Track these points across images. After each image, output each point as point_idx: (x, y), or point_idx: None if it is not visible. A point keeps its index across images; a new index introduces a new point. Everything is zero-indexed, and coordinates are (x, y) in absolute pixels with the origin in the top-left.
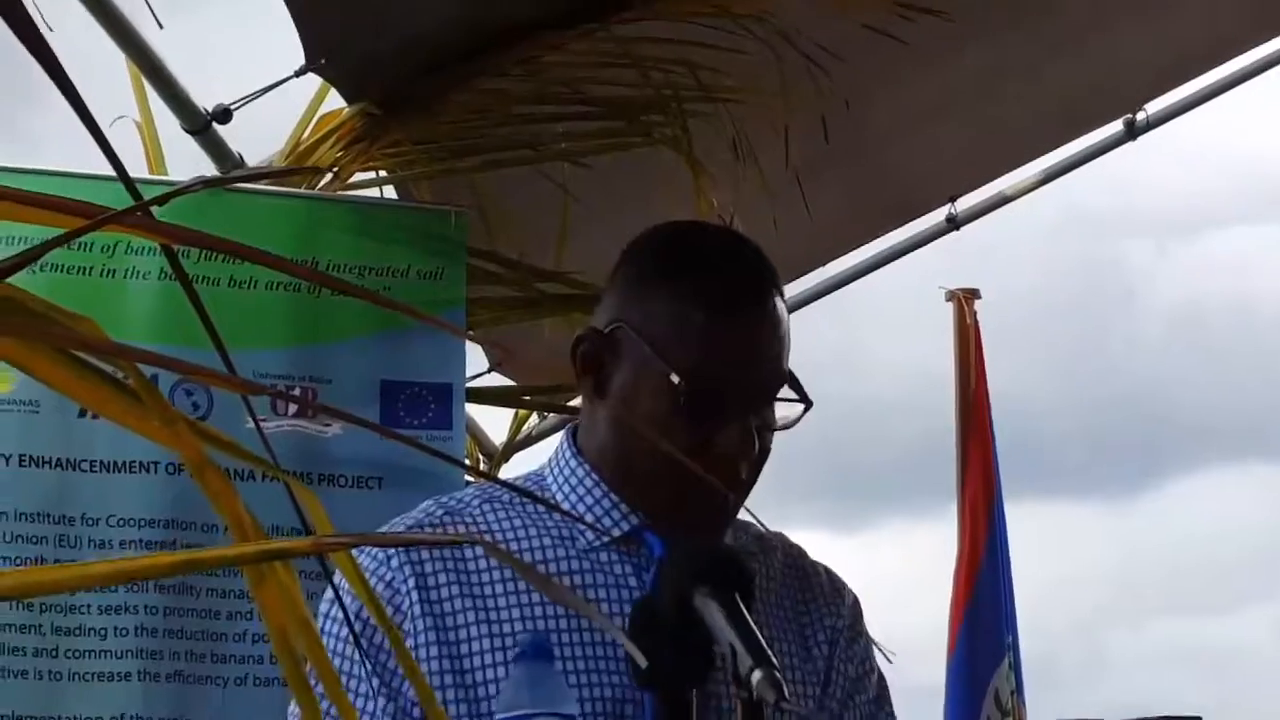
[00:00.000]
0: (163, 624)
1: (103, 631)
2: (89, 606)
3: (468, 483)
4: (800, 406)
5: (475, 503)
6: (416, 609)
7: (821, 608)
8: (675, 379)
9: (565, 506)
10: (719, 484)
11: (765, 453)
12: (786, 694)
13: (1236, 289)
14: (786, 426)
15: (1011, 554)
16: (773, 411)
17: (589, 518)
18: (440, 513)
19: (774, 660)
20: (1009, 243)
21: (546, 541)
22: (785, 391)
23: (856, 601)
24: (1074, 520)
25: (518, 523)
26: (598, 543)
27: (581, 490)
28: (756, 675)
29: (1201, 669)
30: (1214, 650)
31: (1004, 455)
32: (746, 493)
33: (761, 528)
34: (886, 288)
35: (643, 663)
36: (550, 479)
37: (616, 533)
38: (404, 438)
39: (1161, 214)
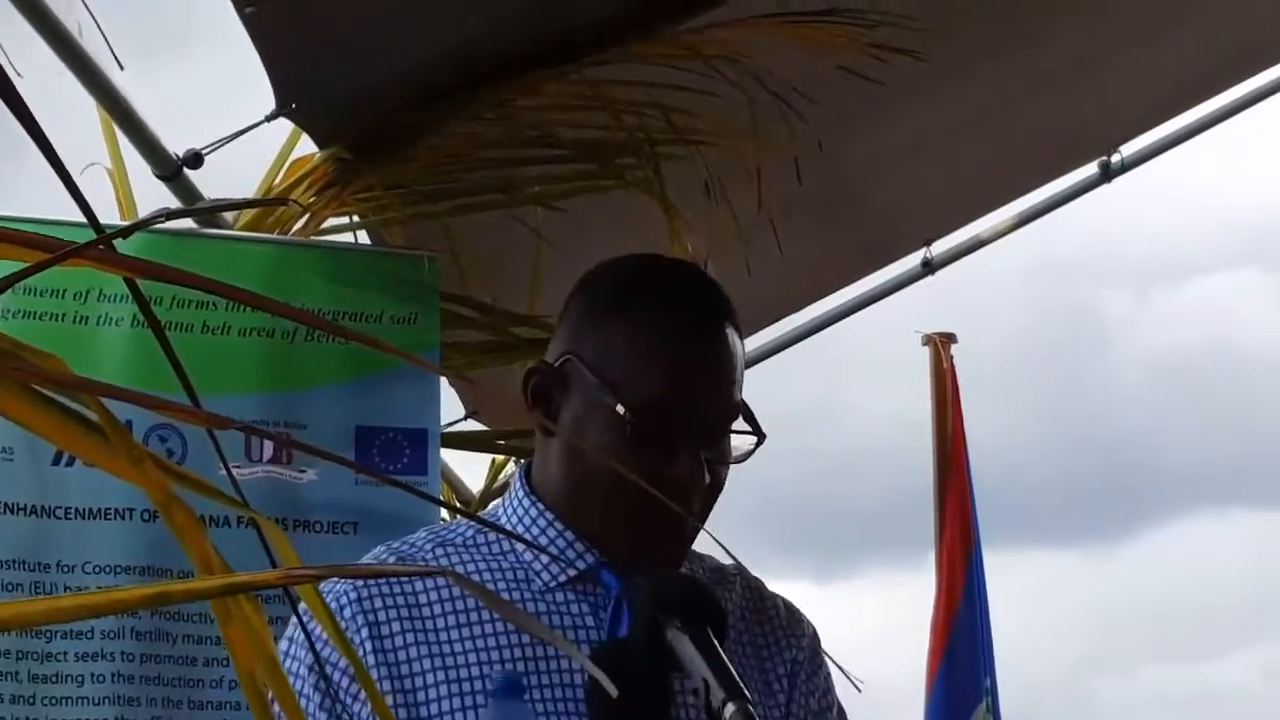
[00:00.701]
0: (139, 671)
1: (79, 678)
2: (65, 654)
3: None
4: (753, 439)
5: (428, 546)
6: (371, 658)
7: (781, 640)
8: (622, 411)
9: (519, 547)
10: (676, 507)
11: (718, 486)
12: None
13: (1216, 335)
14: (739, 460)
15: (992, 603)
16: (726, 444)
17: (544, 557)
18: (391, 558)
19: (747, 694)
20: (986, 289)
21: (501, 584)
22: (738, 424)
23: (815, 634)
24: (1055, 569)
25: (470, 566)
26: (554, 583)
27: (535, 530)
28: (729, 709)
29: (1190, 716)
30: (1202, 696)
31: (984, 503)
32: (700, 525)
33: (717, 560)
34: (862, 333)
35: (613, 691)
36: (504, 519)
37: (573, 571)
38: (385, 476)
39: (1139, 260)
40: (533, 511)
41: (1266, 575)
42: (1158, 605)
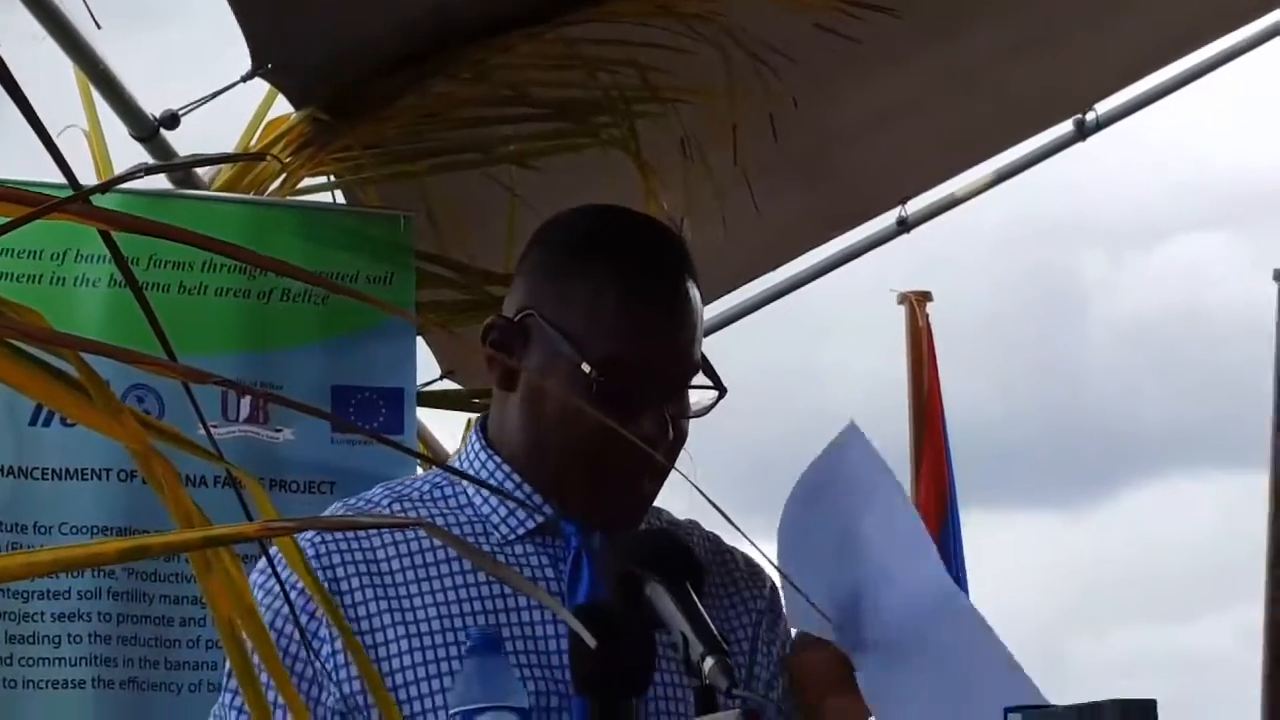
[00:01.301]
0: (116, 631)
1: (56, 639)
2: (42, 614)
3: None
4: (714, 393)
5: (384, 502)
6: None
7: (743, 591)
8: (587, 368)
9: (478, 501)
10: (650, 450)
11: (680, 439)
12: (738, 680)
13: (1189, 297)
14: (701, 414)
15: (968, 562)
16: (686, 399)
17: (502, 510)
18: (348, 514)
19: (726, 648)
20: (961, 248)
21: (459, 536)
22: (699, 379)
23: (775, 586)
24: (1031, 529)
25: (428, 521)
26: (512, 535)
27: (493, 483)
28: (709, 662)
29: (1164, 676)
30: (1177, 657)
31: (959, 463)
32: (662, 479)
33: (672, 514)
34: (838, 291)
35: (592, 643)
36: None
37: (529, 525)
38: (363, 430)
39: (1114, 220)
40: (490, 465)
41: (1239, 536)
42: (1132, 567)
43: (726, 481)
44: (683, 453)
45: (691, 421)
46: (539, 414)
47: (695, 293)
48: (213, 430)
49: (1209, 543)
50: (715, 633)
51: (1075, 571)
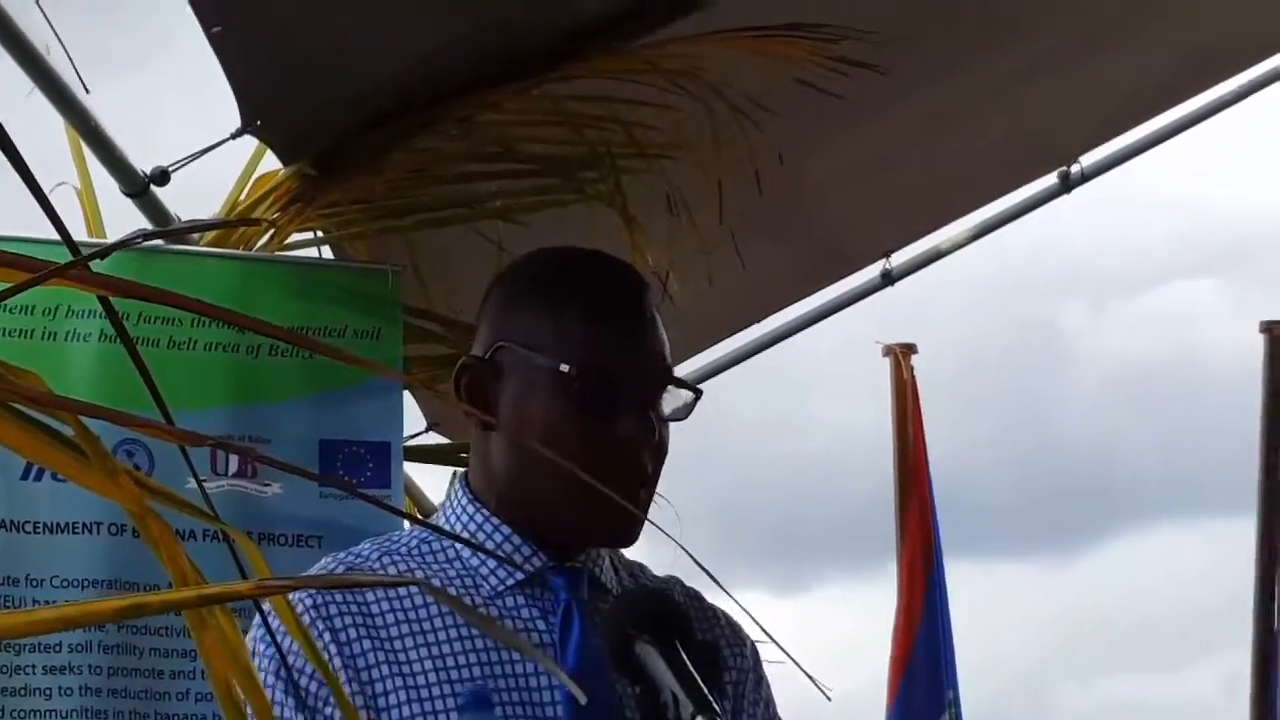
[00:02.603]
0: (107, 684)
1: (47, 691)
2: (34, 667)
3: None
4: (689, 396)
5: (374, 556)
6: (336, 661)
7: (724, 649)
8: (565, 367)
9: (466, 553)
10: (645, 439)
11: (664, 448)
12: None
13: (1172, 344)
14: (679, 417)
15: (953, 612)
16: (662, 406)
17: (491, 562)
18: (340, 569)
19: (715, 706)
20: (944, 299)
21: (450, 591)
22: (674, 389)
23: (756, 647)
24: (1013, 578)
25: (418, 574)
26: (502, 587)
27: (481, 535)
28: None
29: None
30: (1163, 706)
31: (943, 513)
32: (652, 489)
33: (652, 571)
34: (823, 344)
35: (583, 699)
36: (445, 525)
37: (521, 574)
38: (349, 487)
39: (1098, 270)
40: (478, 517)
41: (1225, 584)
42: (1116, 615)
43: (708, 530)
44: (663, 503)
45: (676, 474)
46: (526, 439)
47: (655, 306)
48: (202, 483)
49: (1195, 591)
50: (705, 691)
51: (1060, 620)
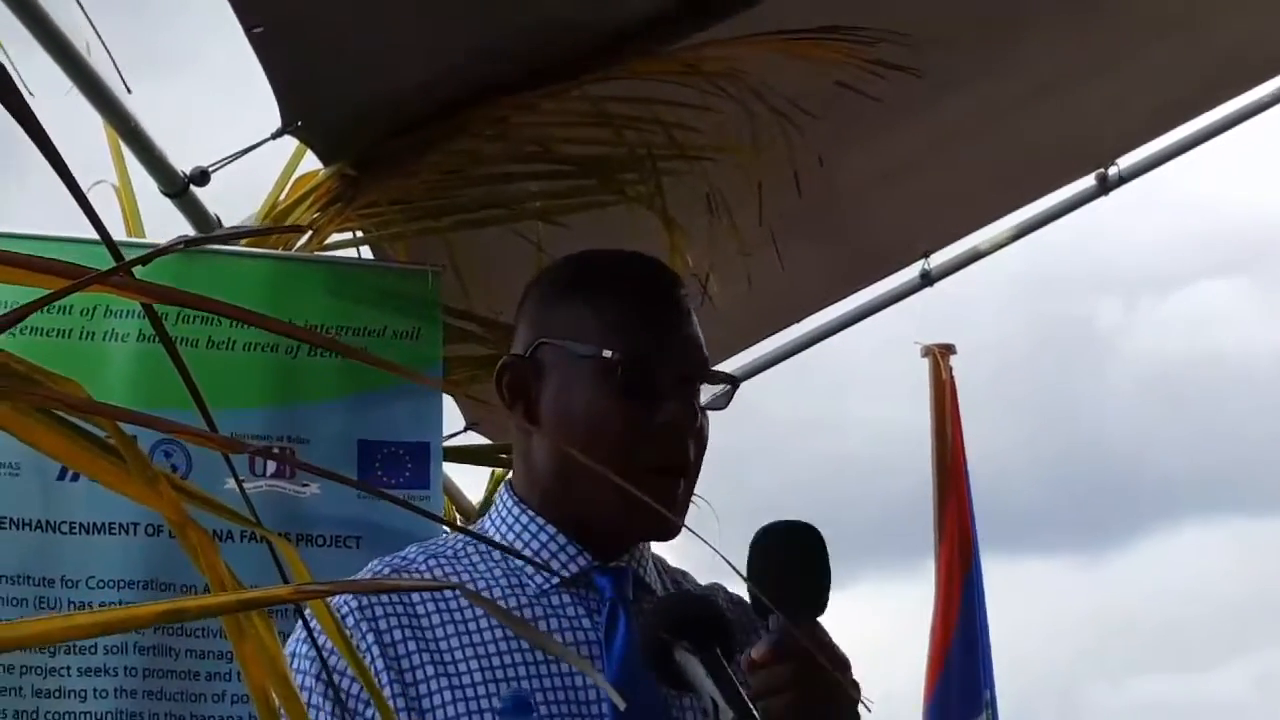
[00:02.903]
0: (142, 685)
1: (82, 693)
2: (69, 669)
3: None
4: (727, 386)
5: (420, 559)
6: (379, 663)
7: None
8: (607, 353)
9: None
10: (681, 417)
11: (704, 435)
12: None
13: (1205, 343)
14: (718, 406)
15: (989, 610)
16: (699, 396)
17: (537, 560)
18: (386, 571)
19: (756, 714)
20: (982, 298)
21: (496, 591)
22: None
23: None
24: (1049, 576)
25: (464, 575)
26: (548, 585)
27: (527, 535)
28: None
29: None
30: (1193, 706)
31: (979, 512)
32: (694, 479)
33: (695, 580)
34: (862, 345)
35: (621, 705)
36: (492, 530)
37: (565, 575)
38: (387, 494)
39: (1132, 269)
40: (523, 519)
41: (1257, 582)
42: (1149, 614)
43: (745, 529)
44: (700, 503)
45: (714, 473)
46: (570, 431)
47: (691, 302)
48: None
49: (1226, 589)
50: (745, 698)
51: (1093, 619)
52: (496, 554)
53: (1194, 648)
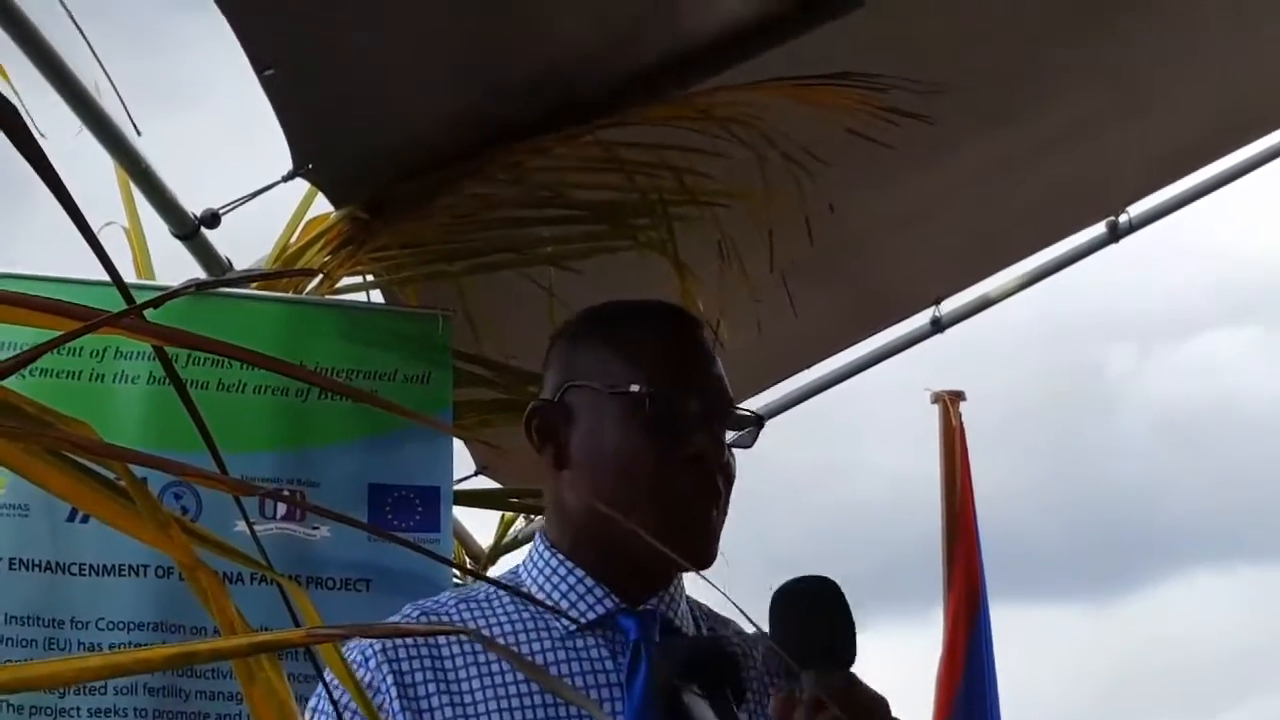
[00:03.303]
0: None
1: None
2: (79, 709)
3: (456, 583)
4: (752, 424)
5: (451, 603)
6: (396, 705)
7: None
8: (635, 387)
9: (540, 597)
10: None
11: (731, 471)
12: None
13: (1218, 391)
14: (745, 444)
15: (997, 657)
16: (725, 437)
17: (564, 603)
18: (417, 614)
19: None
20: (991, 345)
21: (522, 635)
22: (738, 413)
23: None
24: (1060, 623)
25: (493, 619)
26: (573, 627)
27: (556, 579)
28: None
29: None
30: None
31: (988, 557)
32: (724, 513)
33: (740, 626)
34: (872, 391)
35: None
36: (525, 575)
37: (590, 617)
38: (398, 538)
39: (1144, 317)
40: (553, 563)
41: (1268, 628)
42: (1161, 660)
43: (755, 573)
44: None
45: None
46: (600, 470)
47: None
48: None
49: (1237, 636)
50: None
51: (1104, 665)
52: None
53: (1204, 694)
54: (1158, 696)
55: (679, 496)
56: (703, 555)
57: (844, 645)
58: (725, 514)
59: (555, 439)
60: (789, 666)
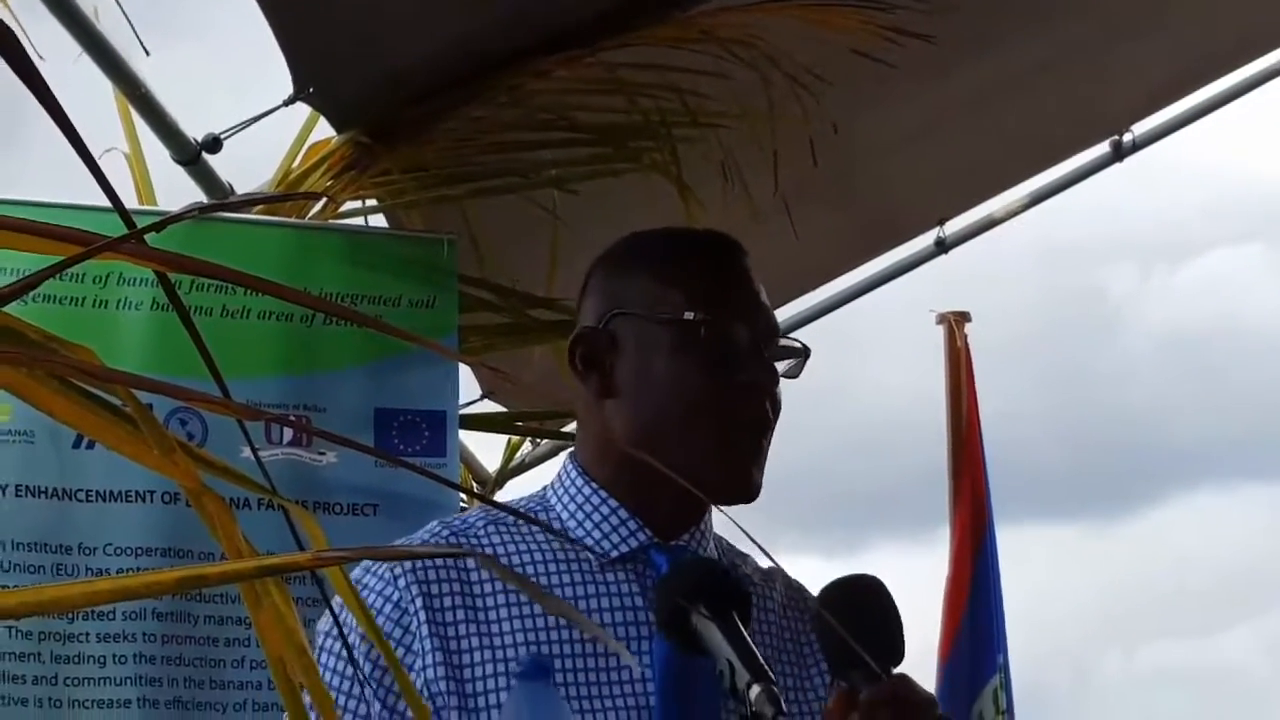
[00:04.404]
0: (161, 651)
1: (101, 659)
2: (88, 635)
3: (463, 508)
4: (800, 354)
5: (480, 524)
6: (424, 629)
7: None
8: (690, 314)
9: (571, 525)
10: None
11: (779, 401)
12: (784, 709)
13: (1220, 311)
14: (793, 374)
15: (1001, 576)
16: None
17: (596, 534)
18: (446, 533)
19: (772, 676)
20: (996, 266)
21: (552, 566)
22: (785, 342)
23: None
24: (1062, 543)
25: (522, 545)
26: (605, 559)
27: (589, 508)
28: (755, 690)
29: (1192, 689)
30: (1205, 670)
31: (993, 478)
32: (770, 437)
33: (757, 562)
34: (876, 312)
35: (634, 664)
36: (554, 499)
37: (621, 551)
38: (405, 462)
39: (1148, 237)
40: (585, 490)
41: (1271, 549)
42: (1163, 580)
43: (765, 502)
44: None
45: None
46: (651, 397)
47: None
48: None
49: (1240, 556)
50: (761, 661)
51: (1107, 585)
52: (556, 526)
53: (1205, 613)
54: (1160, 615)
55: (733, 425)
56: (751, 486)
57: (897, 644)
58: (772, 434)
59: (600, 367)
60: (842, 660)
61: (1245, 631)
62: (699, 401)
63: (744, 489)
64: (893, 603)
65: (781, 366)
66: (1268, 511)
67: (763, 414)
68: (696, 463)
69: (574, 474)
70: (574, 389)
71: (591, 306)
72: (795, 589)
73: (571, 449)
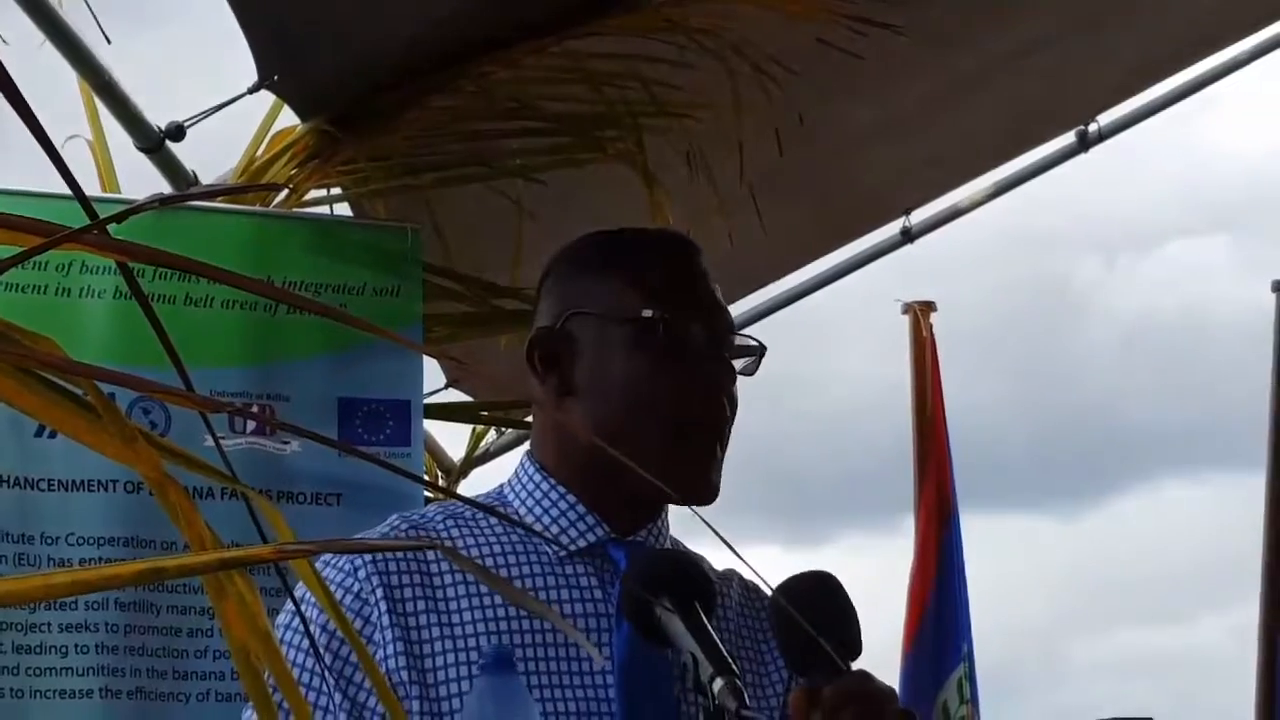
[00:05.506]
0: (124, 641)
1: (64, 649)
2: (49, 625)
3: (427, 499)
4: (755, 351)
5: (439, 518)
6: (385, 619)
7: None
8: (648, 313)
9: (530, 520)
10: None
11: (735, 400)
12: (747, 701)
13: (1184, 301)
14: (749, 372)
15: (966, 565)
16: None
17: (554, 528)
18: (405, 527)
19: (735, 669)
20: (962, 256)
21: (510, 557)
22: (740, 339)
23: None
24: (1030, 532)
25: (481, 539)
26: (563, 553)
27: (546, 503)
28: (718, 683)
29: (1161, 677)
30: (1174, 657)
31: (958, 467)
32: (727, 440)
33: (711, 564)
34: (842, 301)
35: (600, 659)
36: (512, 495)
37: (579, 545)
38: (366, 454)
39: (1113, 227)
40: (544, 486)
41: (1235, 537)
42: (1129, 567)
43: (729, 494)
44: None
45: None
46: (609, 396)
47: None
48: (220, 441)
49: (1205, 543)
50: (725, 654)
51: (1074, 574)
52: (515, 519)
53: (1173, 600)
54: (1131, 604)
55: (690, 424)
56: (709, 488)
57: (855, 640)
58: (727, 445)
59: (559, 367)
60: (798, 658)
61: (1212, 615)
62: (656, 400)
63: (703, 491)
64: (848, 599)
65: (738, 364)
66: (1232, 499)
67: (720, 415)
68: (654, 461)
69: (531, 471)
70: (533, 389)
71: (549, 307)
72: (751, 589)
73: (528, 447)
